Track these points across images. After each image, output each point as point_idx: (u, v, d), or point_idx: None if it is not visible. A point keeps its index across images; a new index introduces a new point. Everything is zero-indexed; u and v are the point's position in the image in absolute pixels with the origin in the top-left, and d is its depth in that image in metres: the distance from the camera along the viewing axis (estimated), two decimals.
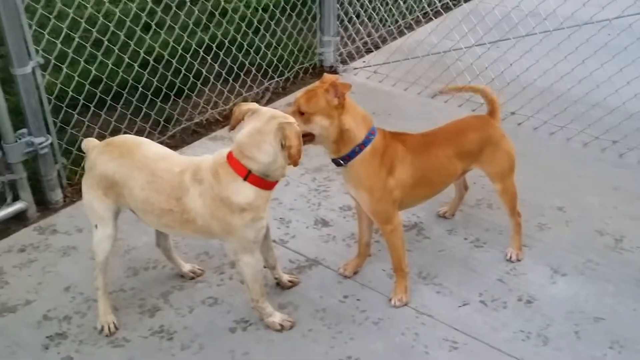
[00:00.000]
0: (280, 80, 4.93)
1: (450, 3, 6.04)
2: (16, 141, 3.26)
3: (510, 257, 3.06)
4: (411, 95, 4.72)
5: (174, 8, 4.33)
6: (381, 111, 4.49)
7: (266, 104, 4.64)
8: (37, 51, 3.26)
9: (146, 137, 4.07)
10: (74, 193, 3.62)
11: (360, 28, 5.42)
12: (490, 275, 3.00)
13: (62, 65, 3.68)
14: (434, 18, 5.41)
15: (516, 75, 4.50)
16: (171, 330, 2.74)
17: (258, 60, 4.85)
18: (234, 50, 4.70)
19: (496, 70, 4.57)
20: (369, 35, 5.45)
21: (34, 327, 2.75)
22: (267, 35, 4.96)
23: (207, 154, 2.59)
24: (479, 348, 2.63)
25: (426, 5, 5.83)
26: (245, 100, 4.62)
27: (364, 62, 5.26)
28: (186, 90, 4.45)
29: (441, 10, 5.65)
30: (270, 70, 4.89)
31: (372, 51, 5.39)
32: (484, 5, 5.01)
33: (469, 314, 2.79)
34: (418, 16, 5.77)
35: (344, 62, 5.21)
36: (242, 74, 4.74)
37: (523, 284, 2.94)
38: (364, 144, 2.65)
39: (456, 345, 2.64)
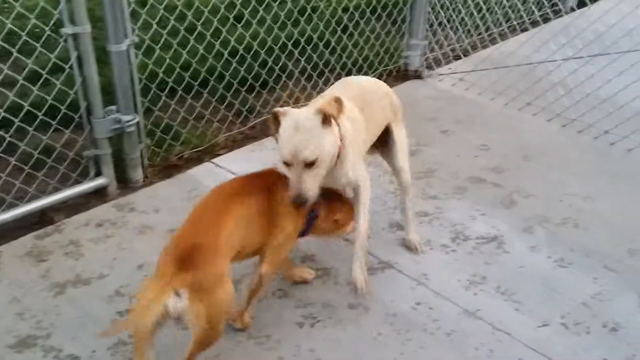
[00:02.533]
0: None
1: (550, 14, 5.83)
2: (104, 117, 3.32)
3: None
4: (497, 105, 4.57)
5: (268, 0, 4.34)
6: (465, 119, 4.37)
7: None
8: (133, 30, 3.32)
9: (227, 125, 4.14)
10: (154, 174, 3.67)
11: (451, 33, 5.30)
12: (575, 298, 2.83)
13: (156, 46, 3.74)
14: (529, 28, 5.22)
15: (613, 93, 4.28)
16: None
17: (344, 58, 4.81)
18: (321, 47, 4.68)
19: (592, 87, 4.37)
20: (457, 41, 5.33)
21: (106, 302, 2.78)
22: (356, 34, 4.92)
23: None
24: None
25: (523, 14, 5.65)
26: None
27: (449, 68, 5.14)
28: (271, 83, 4.45)
29: (539, 20, 5.45)
30: (354, 70, 4.83)
31: (459, 58, 5.26)
32: (584, 18, 4.81)
33: (548, 336, 2.64)
34: (512, 25, 5.61)
35: (429, 67, 5.11)
36: (326, 71, 4.70)
37: (609, 310, 2.77)
38: None
39: None
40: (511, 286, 2.89)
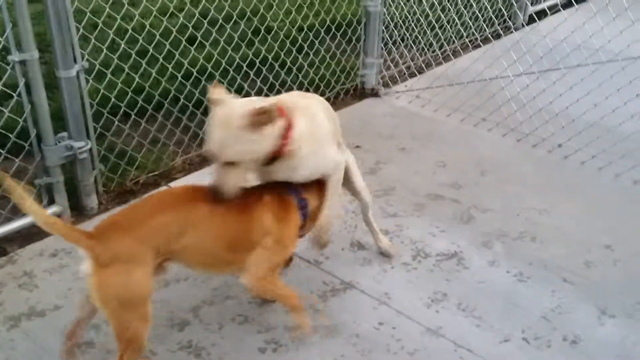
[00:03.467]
0: None
1: (500, 30, 5.95)
2: (56, 144, 3.24)
3: None
4: (453, 122, 4.62)
5: (220, 22, 4.31)
6: (422, 136, 4.41)
7: None
8: (82, 56, 3.25)
9: (184, 148, 4.09)
10: (109, 200, 3.59)
11: (405, 51, 5.36)
12: (534, 311, 2.85)
13: (107, 71, 3.68)
14: (481, 45, 5.31)
15: (565, 107, 4.38)
16: (199, 346, 2.65)
17: (300, 78, 4.81)
18: (276, 67, 4.67)
19: (544, 101, 4.46)
20: (412, 59, 5.39)
21: (61, 334, 2.68)
22: (311, 54, 4.93)
23: None
24: None
25: (474, 31, 5.75)
26: None
27: (406, 86, 5.18)
28: None
29: (490, 37, 5.55)
30: (311, 90, 4.83)
31: (415, 75, 5.31)
32: (534, 34, 4.92)
33: (510, 351, 2.65)
34: (465, 42, 5.70)
35: (385, 85, 5.15)
36: (283, 91, 4.69)
37: (568, 323, 2.80)
38: None
39: None
40: (472, 302, 2.90)
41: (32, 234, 3.30)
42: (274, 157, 2.39)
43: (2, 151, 3.27)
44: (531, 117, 4.39)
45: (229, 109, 2.27)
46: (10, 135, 3.26)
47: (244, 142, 2.23)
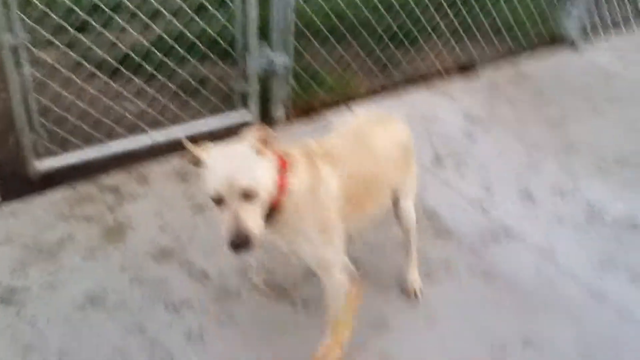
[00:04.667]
0: (514, 45, 4.70)
1: None
2: (258, 54, 3.46)
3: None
4: None
5: None
6: (618, 99, 4.13)
7: (493, 67, 4.48)
8: None
9: (370, 76, 4.18)
10: (295, 114, 3.79)
11: (615, 3, 4.95)
12: None
13: None
14: None
15: None
16: (358, 264, 2.78)
17: (497, 20, 4.65)
18: (474, 5, 4.55)
19: None
20: (621, 11, 4.97)
21: None
22: None
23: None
24: None
25: None
26: (472, 58, 4.49)
27: (608, 42, 4.83)
28: (419, 38, 4.41)
29: None
30: (505, 33, 4.66)
31: (622, 33, 4.92)
32: None
33: None
34: None
35: (586, 38, 4.83)
36: (478, 33, 4.58)
37: None
38: None
39: None
40: None
41: (221, 135, 3.56)
42: (273, 208, 1.96)
43: (212, 55, 3.55)
44: None
45: (225, 147, 1.92)
46: (222, 42, 3.53)
47: (257, 165, 1.87)
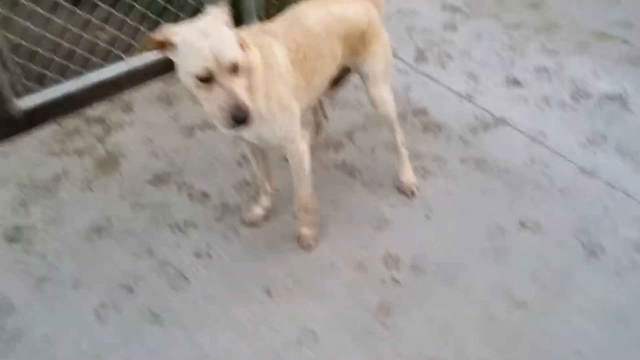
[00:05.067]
0: None
1: None
2: None
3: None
4: None
5: None
6: None
7: None
8: None
9: None
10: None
11: None
12: None
13: None
14: None
15: None
16: (353, 165, 2.82)
17: None
18: None
19: None
20: None
21: (232, 144, 2.96)
22: None
23: None
24: None
25: None
26: None
27: None
28: None
29: None
30: None
31: None
32: None
33: None
34: None
35: None
36: None
37: None
38: None
39: None
40: (633, 146, 2.82)
41: None
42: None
43: None
44: None
45: (194, 25, 1.86)
46: None
47: (233, 39, 1.86)
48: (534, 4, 3.79)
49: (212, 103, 1.83)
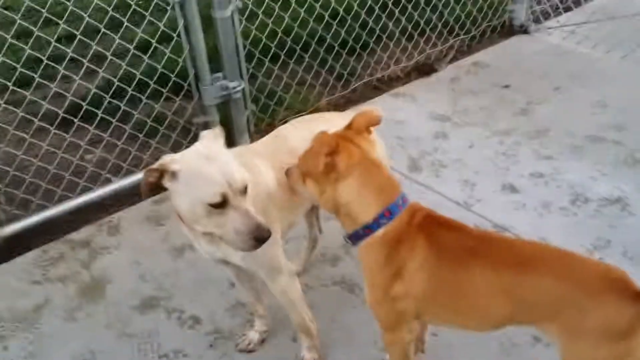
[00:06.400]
0: (466, 38, 4.69)
1: None
2: (212, 84, 3.36)
3: None
4: (613, 59, 4.28)
5: None
6: (578, 75, 4.13)
7: (450, 63, 4.45)
8: None
9: (329, 89, 4.11)
10: (259, 138, 3.68)
11: None
12: None
13: (259, 11, 3.72)
14: None
15: None
16: (351, 282, 2.70)
17: (446, 15, 4.64)
18: (422, 5, 4.52)
19: None
20: None
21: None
22: None
23: None
24: None
25: None
26: (428, 57, 4.47)
27: (558, 21, 4.87)
28: (371, 44, 4.36)
29: None
30: (456, 27, 4.65)
31: (570, 9, 4.96)
32: None
33: None
34: None
35: (536, 20, 4.85)
36: (427, 29, 4.56)
37: None
38: (370, 228, 1.84)
39: None
40: (639, 250, 2.73)
41: None
42: None
43: (163, 90, 3.44)
44: None
45: (193, 152, 1.85)
46: (171, 75, 3.42)
47: (235, 161, 1.88)
48: (522, 111, 3.81)
49: (228, 227, 1.78)
